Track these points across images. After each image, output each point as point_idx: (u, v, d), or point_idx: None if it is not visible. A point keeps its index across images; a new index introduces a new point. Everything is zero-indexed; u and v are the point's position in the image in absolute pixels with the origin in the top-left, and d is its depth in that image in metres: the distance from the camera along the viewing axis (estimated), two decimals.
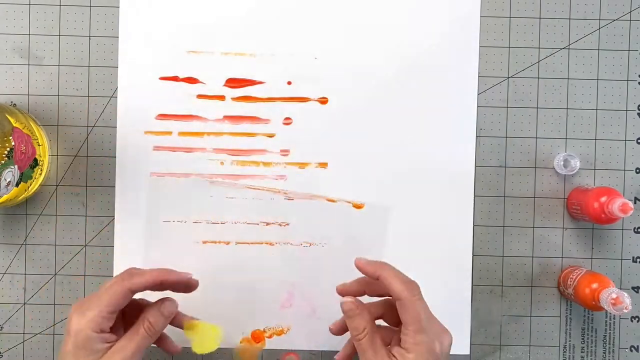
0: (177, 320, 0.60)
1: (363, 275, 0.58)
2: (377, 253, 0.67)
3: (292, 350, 0.68)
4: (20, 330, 0.68)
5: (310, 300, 0.68)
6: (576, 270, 0.65)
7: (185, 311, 0.61)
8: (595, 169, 0.68)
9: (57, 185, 0.68)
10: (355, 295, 0.58)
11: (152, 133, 0.67)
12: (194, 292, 0.61)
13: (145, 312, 0.56)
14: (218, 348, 0.60)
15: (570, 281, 0.64)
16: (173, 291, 0.59)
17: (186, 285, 0.60)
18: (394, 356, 0.53)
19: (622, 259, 0.68)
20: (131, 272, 0.56)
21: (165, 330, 0.59)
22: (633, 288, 0.68)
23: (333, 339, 0.64)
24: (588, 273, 0.63)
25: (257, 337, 0.68)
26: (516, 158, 0.68)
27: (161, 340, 0.61)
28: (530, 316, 0.68)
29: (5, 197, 0.59)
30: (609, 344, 0.68)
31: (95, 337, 0.53)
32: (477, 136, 0.68)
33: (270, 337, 0.68)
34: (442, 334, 0.55)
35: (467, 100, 0.68)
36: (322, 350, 0.68)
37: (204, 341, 0.60)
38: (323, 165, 0.68)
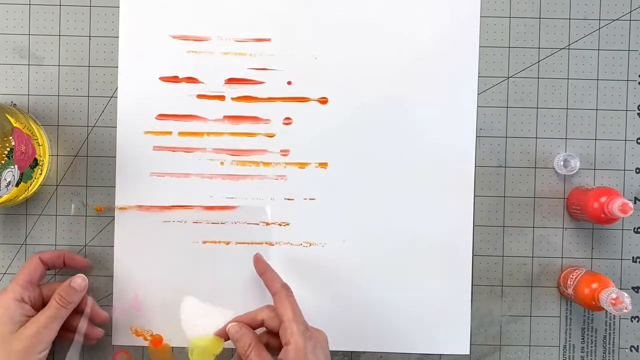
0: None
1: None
2: (378, 253, 0.67)
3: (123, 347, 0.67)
4: None
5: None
6: (576, 271, 0.65)
7: (187, 310, 0.61)
8: (595, 169, 0.68)
9: (57, 185, 0.68)
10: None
11: (152, 133, 0.67)
12: (194, 293, 0.63)
13: (57, 289, 0.62)
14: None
15: (570, 281, 0.64)
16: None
17: (83, 265, 0.67)
18: (279, 358, 0.58)
19: (622, 259, 0.68)
20: (40, 251, 0.66)
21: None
22: (633, 288, 0.68)
23: (331, 338, 0.64)
24: (588, 273, 0.63)
25: None
26: (516, 158, 0.68)
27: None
28: (530, 316, 0.68)
29: (5, 197, 0.59)
30: (609, 344, 0.68)
31: (15, 305, 0.60)
32: (477, 136, 0.68)
33: None
34: (316, 330, 0.60)
35: (467, 100, 0.68)
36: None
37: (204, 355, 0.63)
38: (323, 165, 0.68)
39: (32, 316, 0.60)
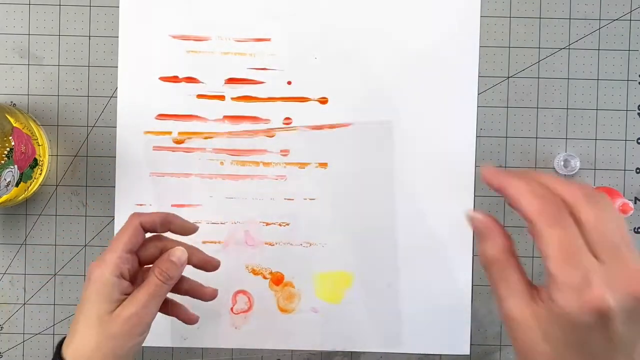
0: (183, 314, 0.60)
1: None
2: (378, 253, 0.67)
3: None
4: (20, 330, 0.68)
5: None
6: None
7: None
8: (595, 169, 0.68)
9: (57, 185, 0.68)
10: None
11: (152, 133, 0.67)
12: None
13: (155, 263, 0.55)
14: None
15: None
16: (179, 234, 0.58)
17: (188, 230, 0.58)
18: (539, 299, 0.39)
19: None
20: (138, 212, 0.56)
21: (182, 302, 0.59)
22: None
23: (334, 338, 0.64)
24: None
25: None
26: (516, 158, 0.68)
27: (176, 309, 0.59)
28: None
29: (5, 197, 0.59)
30: None
31: (114, 282, 0.52)
32: (477, 136, 0.68)
33: None
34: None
35: (467, 100, 0.68)
36: (321, 351, 0.68)
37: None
38: (323, 165, 0.68)
39: (130, 293, 0.53)
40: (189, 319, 0.59)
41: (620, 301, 0.36)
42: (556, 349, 0.38)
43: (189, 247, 0.56)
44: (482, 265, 0.42)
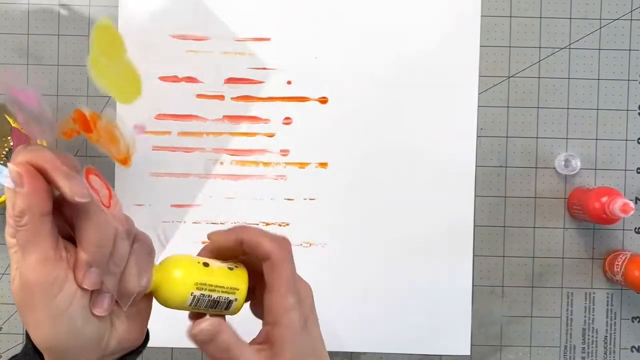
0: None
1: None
2: (378, 253, 0.67)
3: None
4: (20, 331, 0.68)
5: None
6: (620, 256, 0.64)
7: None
8: (596, 169, 0.68)
9: None
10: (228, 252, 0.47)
11: (152, 133, 0.67)
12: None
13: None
14: None
15: (617, 267, 0.64)
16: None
17: None
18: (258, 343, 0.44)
19: None
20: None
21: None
22: None
23: (334, 339, 0.64)
24: (634, 256, 0.63)
25: None
26: (517, 158, 0.68)
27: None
28: (531, 317, 0.68)
29: (4, 198, 0.59)
30: (610, 344, 0.68)
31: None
32: (477, 136, 0.68)
33: None
34: (306, 288, 0.46)
35: (468, 100, 0.68)
36: None
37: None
38: (323, 165, 0.68)
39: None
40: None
41: None
42: None
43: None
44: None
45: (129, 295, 0.42)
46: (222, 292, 0.45)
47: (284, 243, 0.45)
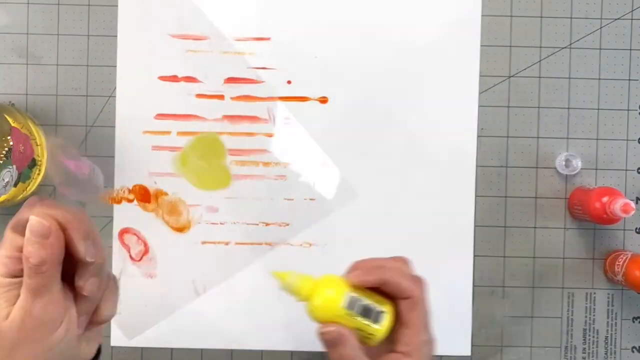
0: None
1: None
2: (378, 253, 0.67)
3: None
4: None
5: None
6: (620, 256, 0.64)
7: (187, 312, 0.61)
8: (596, 169, 0.68)
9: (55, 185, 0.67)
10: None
11: (151, 133, 0.67)
12: (195, 294, 0.61)
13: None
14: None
15: (618, 268, 0.64)
16: None
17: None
18: None
19: None
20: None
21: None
22: None
23: None
24: (635, 256, 0.63)
25: None
26: (517, 158, 0.68)
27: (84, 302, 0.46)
28: (532, 317, 0.68)
29: (3, 197, 0.59)
30: (611, 345, 0.68)
31: (3, 283, 0.43)
32: (478, 136, 0.68)
33: None
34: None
35: (468, 100, 0.68)
36: (321, 351, 0.68)
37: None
38: (323, 165, 0.68)
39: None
40: (99, 316, 0.47)
41: None
42: None
43: (63, 213, 0.43)
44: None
45: (102, 322, 0.48)
46: (375, 301, 0.50)
47: (422, 283, 0.52)
